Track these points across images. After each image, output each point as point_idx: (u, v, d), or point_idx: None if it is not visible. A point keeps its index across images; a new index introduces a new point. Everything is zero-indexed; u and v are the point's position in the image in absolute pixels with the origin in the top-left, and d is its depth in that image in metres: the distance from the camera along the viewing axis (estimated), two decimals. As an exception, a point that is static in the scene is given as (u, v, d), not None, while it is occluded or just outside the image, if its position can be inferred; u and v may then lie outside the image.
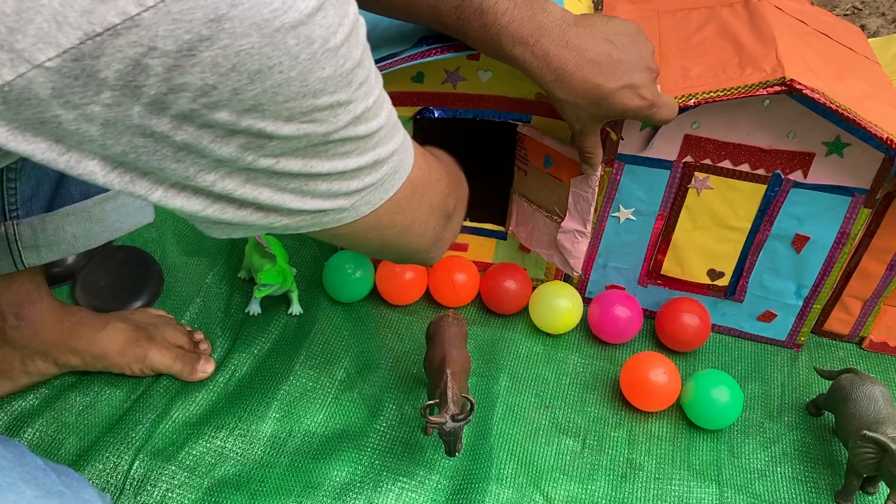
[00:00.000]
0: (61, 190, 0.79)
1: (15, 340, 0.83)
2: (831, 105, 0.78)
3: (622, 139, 0.87)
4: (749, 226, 0.91)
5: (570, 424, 0.88)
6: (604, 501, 0.81)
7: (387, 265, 0.98)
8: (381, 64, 0.82)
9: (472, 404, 0.76)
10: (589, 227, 0.89)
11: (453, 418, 0.75)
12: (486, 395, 0.90)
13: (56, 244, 0.80)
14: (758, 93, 0.79)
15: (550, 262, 0.94)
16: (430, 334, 0.86)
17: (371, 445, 0.83)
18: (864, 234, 0.91)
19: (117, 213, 0.83)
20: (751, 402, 0.92)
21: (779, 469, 0.86)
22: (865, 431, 0.76)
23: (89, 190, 0.81)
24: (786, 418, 0.91)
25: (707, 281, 0.97)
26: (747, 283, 0.95)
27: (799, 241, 0.90)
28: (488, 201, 1.02)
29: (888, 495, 0.75)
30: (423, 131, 0.91)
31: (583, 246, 0.90)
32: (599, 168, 0.84)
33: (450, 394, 0.76)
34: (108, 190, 0.81)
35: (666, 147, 0.87)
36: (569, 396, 0.92)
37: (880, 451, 0.76)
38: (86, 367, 0.87)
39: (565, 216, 0.90)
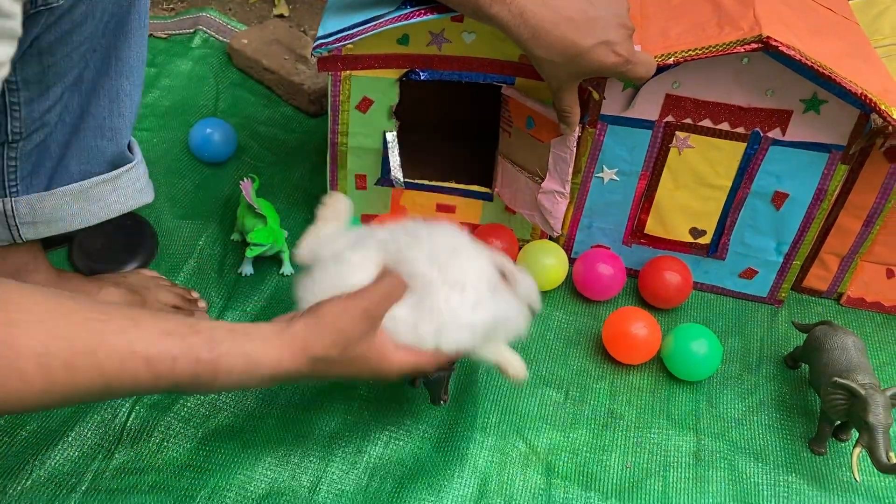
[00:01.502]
0: (61, 169, 0.81)
1: None
2: (807, 62, 0.80)
3: (605, 99, 0.89)
4: (730, 184, 0.93)
5: (553, 377, 0.91)
6: (584, 449, 0.84)
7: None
8: (367, 26, 0.84)
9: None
10: (568, 188, 0.91)
11: (438, 367, 0.78)
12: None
13: (54, 221, 0.82)
14: (735, 50, 0.80)
15: (533, 222, 0.96)
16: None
17: (360, 397, 0.86)
18: (841, 190, 0.93)
19: (116, 194, 0.85)
20: (730, 355, 0.95)
21: (755, 418, 0.88)
22: (836, 378, 0.79)
23: (90, 170, 0.82)
24: (764, 371, 0.94)
25: (689, 239, 0.99)
26: (729, 240, 0.97)
27: (778, 199, 0.92)
28: (475, 163, 1.05)
29: (857, 439, 0.78)
30: (410, 93, 0.93)
31: (562, 206, 0.92)
32: (577, 129, 0.86)
33: None
34: (107, 172, 0.83)
35: (647, 107, 0.89)
36: (552, 351, 0.94)
37: (850, 397, 0.79)
38: None
39: (545, 177, 0.92)
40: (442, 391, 0.79)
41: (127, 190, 0.86)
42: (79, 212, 0.83)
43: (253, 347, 0.61)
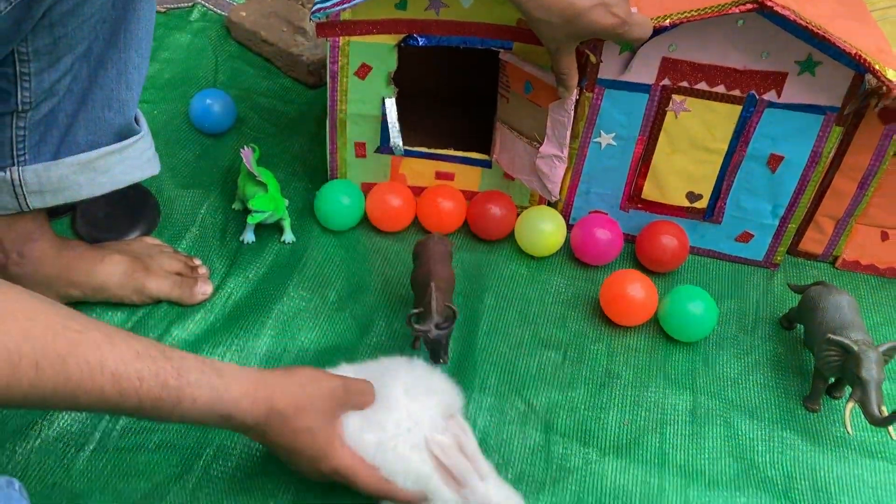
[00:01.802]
0: (69, 138, 0.82)
1: (17, 276, 0.86)
2: (802, 22, 0.80)
3: (602, 62, 0.89)
4: (725, 147, 0.94)
5: (552, 339, 0.93)
6: (582, 407, 0.85)
7: (378, 194, 1.02)
8: (365, -9, 0.84)
9: (454, 313, 0.80)
10: (566, 152, 0.92)
11: (437, 326, 0.79)
12: (471, 314, 0.94)
13: (60, 191, 0.83)
14: (731, 11, 0.81)
15: (531, 187, 0.97)
16: (416, 253, 0.89)
17: (361, 357, 0.87)
18: (836, 152, 0.94)
19: (123, 165, 0.86)
20: (726, 317, 0.96)
21: (751, 377, 0.90)
22: (830, 335, 0.80)
23: (97, 141, 0.83)
24: (759, 332, 0.95)
25: (686, 203, 1.00)
26: (725, 204, 0.98)
27: (774, 161, 0.93)
28: (474, 131, 1.05)
29: (850, 395, 0.80)
30: (409, 60, 0.93)
31: (560, 170, 0.93)
32: (575, 92, 0.86)
33: (433, 304, 0.80)
34: (114, 143, 0.84)
35: (644, 70, 0.90)
36: (551, 314, 0.96)
37: (843, 353, 0.80)
38: (86, 299, 0.90)
39: (543, 142, 0.92)
40: (441, 351, 0.81)
41: (134, 161, 0.87)
42: (86, 182, 0.84)
43: (220, 383, 0.62)
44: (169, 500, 0.74)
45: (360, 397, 0.71)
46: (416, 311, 0.81)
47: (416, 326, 0.79)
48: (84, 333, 0.56)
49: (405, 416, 0.70)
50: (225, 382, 0.63)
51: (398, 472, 0.69)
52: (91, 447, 0.77)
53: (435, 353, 0.81)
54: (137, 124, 0.87)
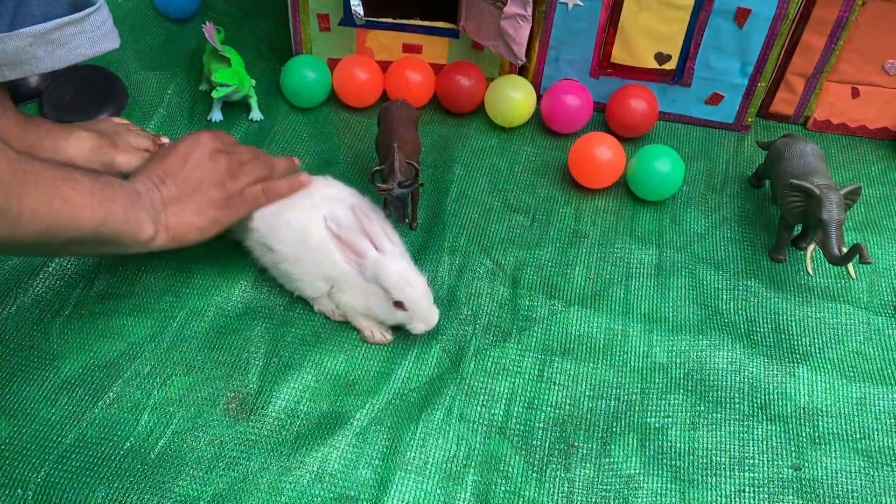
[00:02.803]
0: (23, 9, 0.80)
1: None
2: None
3: (563, -84, 0.87)
4: (692, 2, 0.92)
5: (521, 204, 0.93)
6: (549, 264, 0.87)
7: (344, 68, 1.00)
8: None
9: (417, 171, 0.80)
10: (529, 10, 0.90)
11: (400, 185, 0.79)
12: (439, 184, 0.94)
13: (18, 64, 0.82)
14: None
15: (497, 51, 0.96)
16: (380, 118, 0.89)
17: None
18: (805, 5, 0.92)
19: (80, 38, 0.84)
20: (695, 178, 0.97)
21: (717, 232, 0.91)
22: (792, 180, 0.81)
23: (51, 12, 0.81)
24: (728, 190, 0.96)
25: (655, 65, 0.99)
26: (694, 65, 0.97)
27: (741, 15, 0.92)
28: (440, 2, 1.03)
29: (811, 237, 0.81)
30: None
31: (525, 31, 0.92)
32: None
33: (396, 164, 0.80)
34: (70, 13, 0.82)
35: (608, -76, 0.87)
36: (520, 181, 0.96)
37: (806, 197, 0.81)
38: None
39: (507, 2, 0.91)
40: (405, 210, 0.81)
41: (92, 34, 0.86)
42: (44, 55, 0.83)
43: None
44: (144, 357, 0.76)
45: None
46: (378, 168, 0.81)
47: (379, 185, 0.80)
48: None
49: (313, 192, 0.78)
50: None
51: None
52: (67, 312, 0.79)
53: (399, 213, 0.81)
54: None
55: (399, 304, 0.73)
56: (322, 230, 0.74)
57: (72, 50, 0.85)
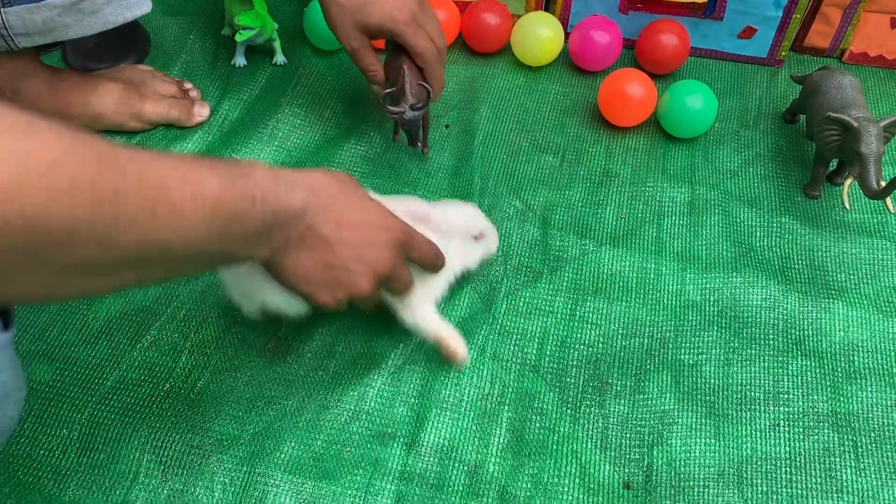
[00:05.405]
0: None
1: None
2: None
3: None
4: (726, -69, 0.89)
5: (550, 144, 0.92)
6: (580, 204, 0.86)
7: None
8: None
9: (428, 92, 0.79)
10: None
11: (412, 107, 0.78)
12: (466, 125, 0.93)
13: (48, 32, 0.81)
14: None
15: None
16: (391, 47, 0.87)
17: (359, 169, 0.88)
18: (845, -72, 0.89)
19: (112, 6, 0.83)
20: (727, 114, 0.95)
21: (751, 169, 0.89)
22: (830, 113, 0.79)
23: None
24: (761, 126, 0.94)
25: (686, -1, 0.96)
26: (726, -3, 0.95)
27: (777, -56, 0.89)
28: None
29: (848, 171, 0.79)
30: None
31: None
32: None
33: (407, 86, 0.78)
34: None
35: None
36: (549, 121, 0.95)
37: (844, 131, 0.79)
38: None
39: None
40: (418, 133, 0.81)
41: (124, 1, 0.85)
42: (74, 22, 0.82)
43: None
44: (179, 301, 0.77)
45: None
46: (389, 90, 0.80)
47: (390, 108, 0.79)
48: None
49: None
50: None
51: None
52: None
53: (411, 137, 0.81)
54: None
55: (478, 237, 0.73)
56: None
57: (102, 17, 0.83)
